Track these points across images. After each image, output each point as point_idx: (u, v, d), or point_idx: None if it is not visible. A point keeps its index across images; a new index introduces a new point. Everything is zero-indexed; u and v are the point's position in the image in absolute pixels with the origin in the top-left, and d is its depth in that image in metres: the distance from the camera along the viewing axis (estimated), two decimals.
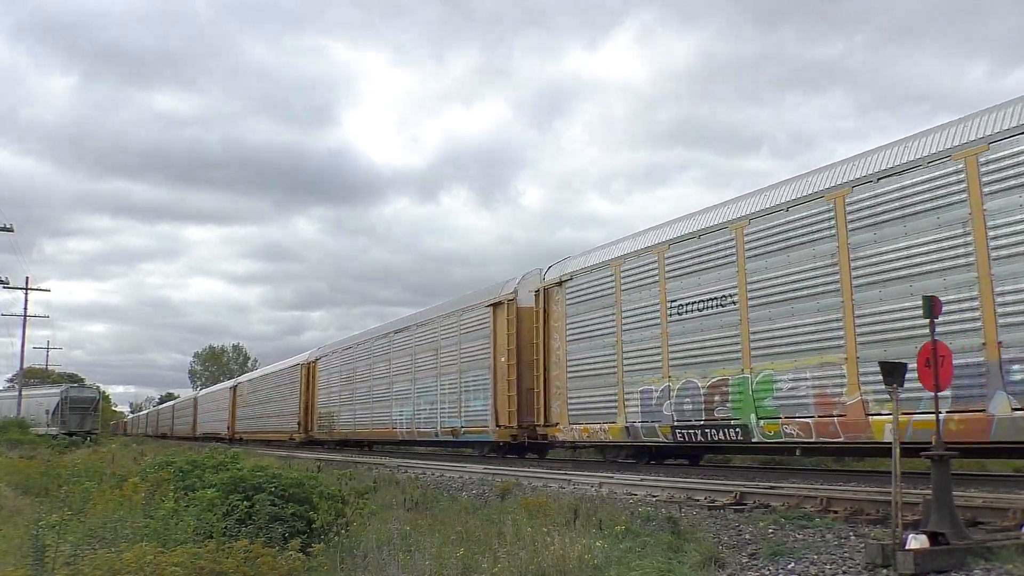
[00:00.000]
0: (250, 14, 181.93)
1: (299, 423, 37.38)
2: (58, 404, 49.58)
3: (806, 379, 12.12)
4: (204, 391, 73.48)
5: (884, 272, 11.12)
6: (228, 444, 40.44)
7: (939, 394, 6.39)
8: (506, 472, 15.06)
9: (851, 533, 7.20)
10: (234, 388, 53.56)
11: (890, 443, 6.07)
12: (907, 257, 10.85)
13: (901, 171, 11.11)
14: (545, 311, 18.69)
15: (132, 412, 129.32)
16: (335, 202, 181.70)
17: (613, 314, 16.58)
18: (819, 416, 11.89)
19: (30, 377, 68.55)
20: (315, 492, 7.69)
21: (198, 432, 62.65)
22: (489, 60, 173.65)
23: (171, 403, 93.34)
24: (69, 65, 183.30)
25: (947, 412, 9.69)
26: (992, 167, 10.01)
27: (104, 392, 71.95)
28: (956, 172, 10.41)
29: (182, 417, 73.94)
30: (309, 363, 37.75)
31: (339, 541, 6.82)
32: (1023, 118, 9.86)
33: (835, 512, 8.42)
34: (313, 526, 7.14)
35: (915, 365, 6.51)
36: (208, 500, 7.37)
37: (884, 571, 5.52)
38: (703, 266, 14.34)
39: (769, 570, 6.05)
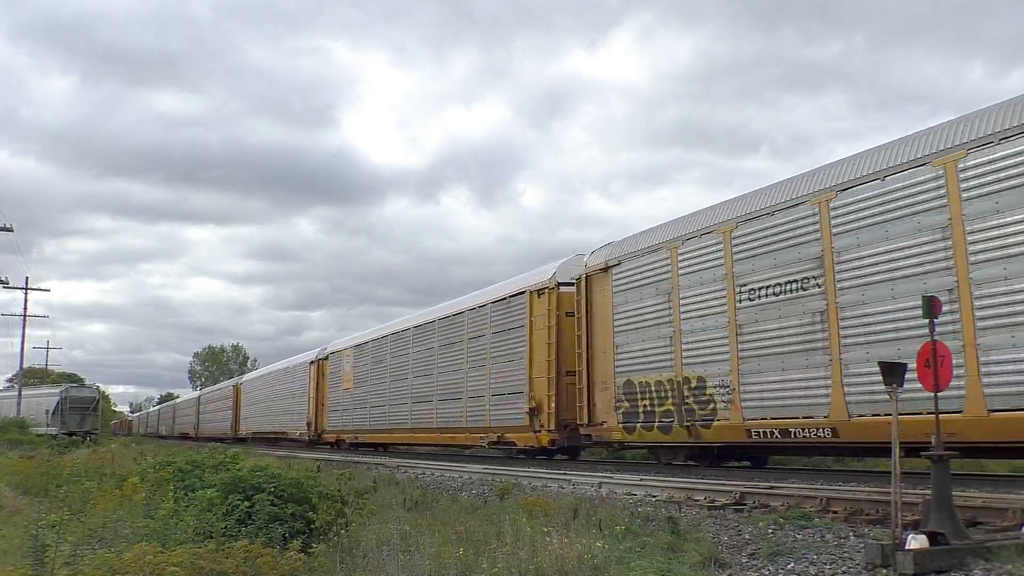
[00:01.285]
0: (250, 15, 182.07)
1: (534, 409, 18.48)
2: (58, 404, 49.50)
3: None
4: (252, 374, 55.13)
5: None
6: (308, 448, 31.45)
7: None
8: (506, 472, 15.06)
9: (851, 533, 7.20)
10: (318, 363, 34.92)
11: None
12: None
13: None
14: None
15: (132, 411, 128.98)
16: (335, 202, 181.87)
17: None
18: None
19: (30, 377, 68.50)
20: (314, 492, 7.69)
21: (242, 431, 47.70)
22: (489, 61, 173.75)
23: (195, 395, 73.47)
24: (69, 66, 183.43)
25: None
26: None
27: (104, 392, 71.38)
28: None
29: (213, 412, 57.90)
30: (558, 286, 18.74)
31: (339, 541, 6.82)
32: None
33: (835, 512, 8.42)
34: (313, 526, 7.15)
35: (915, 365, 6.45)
36: (208, 500, 7.37)
37: (884, 571, 5.52)
38: None
39: (769, 570, 6.05)
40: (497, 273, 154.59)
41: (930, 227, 10.73)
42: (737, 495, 9.98)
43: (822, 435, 11.99)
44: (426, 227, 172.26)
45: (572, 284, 18.24)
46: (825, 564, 5.99)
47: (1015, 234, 9.78)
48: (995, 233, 9.97)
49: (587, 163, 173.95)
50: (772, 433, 12.82)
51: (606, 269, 17.06)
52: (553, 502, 9.30)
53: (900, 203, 11.15)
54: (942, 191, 10.62)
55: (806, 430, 12.22)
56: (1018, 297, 9.71)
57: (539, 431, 18.67)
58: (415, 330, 25.78)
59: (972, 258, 10.17)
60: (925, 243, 10.81)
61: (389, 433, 27.23)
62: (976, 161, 10.25)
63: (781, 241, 12.95)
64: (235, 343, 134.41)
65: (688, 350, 14.65)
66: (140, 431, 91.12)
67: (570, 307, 18.19)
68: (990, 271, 9.99)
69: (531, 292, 19.51)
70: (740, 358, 13.49)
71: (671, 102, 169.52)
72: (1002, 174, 9.94)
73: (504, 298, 20.77)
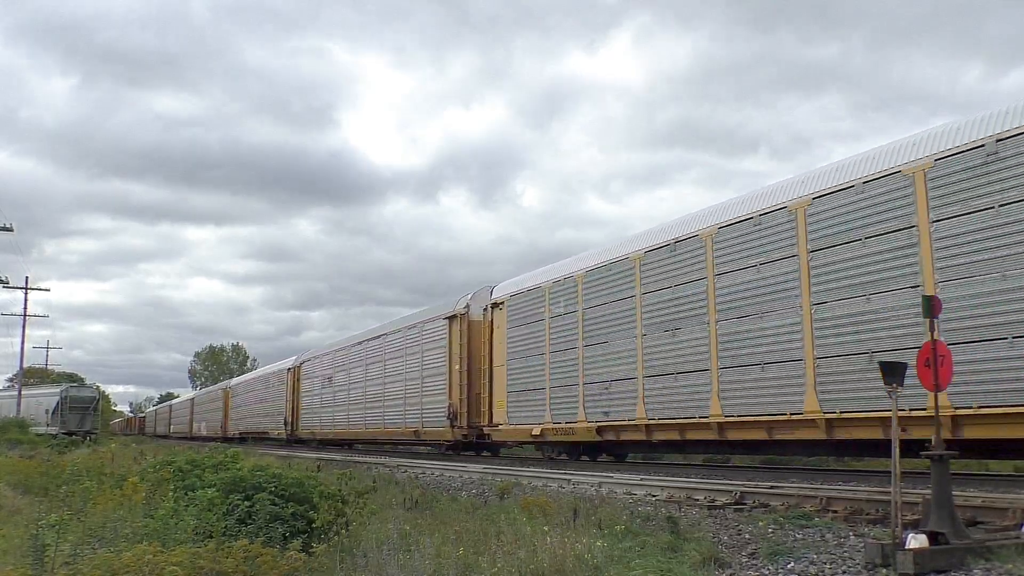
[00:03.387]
0: (249, 15, 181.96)
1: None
2: (58, 404, 49.47)
3: None
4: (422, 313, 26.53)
5: None
6: None
7: None
8: (506, 472, 15.05)
9: (851, 533, 7.20)
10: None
11: None
12: None
13: None
14: None
15: (133, 411, 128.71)
16: (335, 202, 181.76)
17: None
18: None
19: (30, 377, 68.46)
20: (315, 492, 7.68)
21: (423, 430, 24.76)
22: (488, 62, 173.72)
23: (280, 366, 42.55)
24: (69, 66, 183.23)
25: None
26: None
27: (104, 392, 71.00)
28: None
29: (341, 392, 32.32)
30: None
31: (339, 541, 6.82)
32: None
33: (835, 512, 8.43)
34: (313, 526, 7.14)
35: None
36: (208, 500, 7.36)
37: (884, 571, 5.52)
38: None
39: (769, 570, 6.05)
40: (497, 273, 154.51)
41: None
42: (737, 495, 9.98)
43: None
44: (426, 227, 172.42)
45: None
46: (825, 564, 5.98)
47: None
48: None
49: (586, 163, 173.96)
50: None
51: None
52: (553, 502, 9.29)
53: None
54: None
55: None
56: None
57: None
58: None
59: None
60: None
61: None
62: None
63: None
64: (235, 343, 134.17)
65: None
66: (158, 430, 71.12)
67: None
68: None
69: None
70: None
71: (670, 103, 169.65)
72: None
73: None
